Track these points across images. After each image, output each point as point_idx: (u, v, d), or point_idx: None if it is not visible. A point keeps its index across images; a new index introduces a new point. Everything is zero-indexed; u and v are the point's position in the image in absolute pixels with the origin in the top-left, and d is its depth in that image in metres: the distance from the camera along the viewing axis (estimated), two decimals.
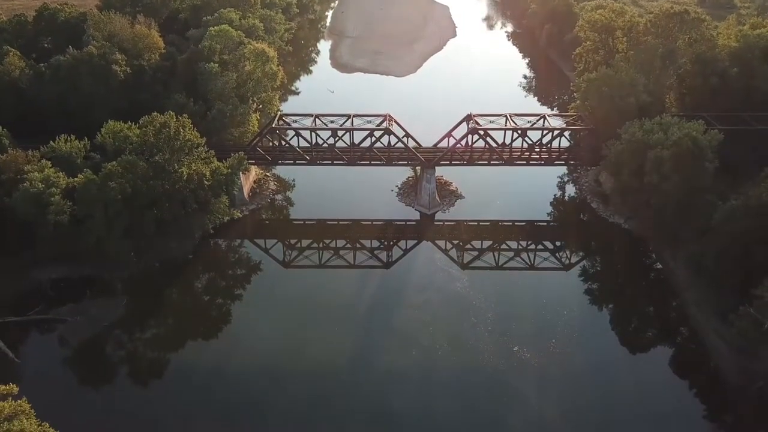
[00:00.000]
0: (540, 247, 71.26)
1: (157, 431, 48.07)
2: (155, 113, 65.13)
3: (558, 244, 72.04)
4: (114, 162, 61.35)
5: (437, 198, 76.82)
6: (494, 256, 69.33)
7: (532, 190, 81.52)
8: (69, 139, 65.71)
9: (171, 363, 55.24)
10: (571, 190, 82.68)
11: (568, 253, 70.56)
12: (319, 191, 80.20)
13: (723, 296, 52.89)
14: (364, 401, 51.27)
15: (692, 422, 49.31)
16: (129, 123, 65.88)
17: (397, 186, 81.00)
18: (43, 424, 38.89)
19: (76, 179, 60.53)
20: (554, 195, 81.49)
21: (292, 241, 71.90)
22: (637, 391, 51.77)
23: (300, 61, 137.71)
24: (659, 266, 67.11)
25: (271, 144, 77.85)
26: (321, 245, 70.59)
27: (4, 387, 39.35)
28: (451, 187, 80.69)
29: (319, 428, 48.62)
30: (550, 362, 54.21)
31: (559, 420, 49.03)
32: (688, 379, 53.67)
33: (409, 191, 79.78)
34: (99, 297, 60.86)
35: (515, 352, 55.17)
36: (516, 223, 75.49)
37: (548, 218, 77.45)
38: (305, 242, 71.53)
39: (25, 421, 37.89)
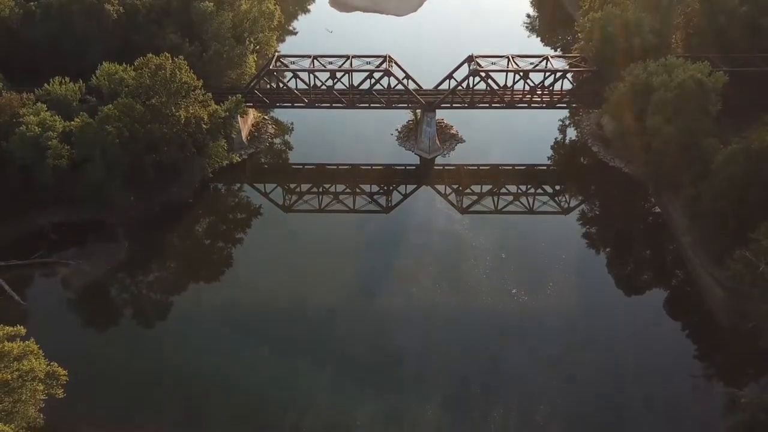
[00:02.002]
0: (539, 191, 71.30)
1: (161, 371, 49.31)
2: (150, 55, 63.81)
3: (557, 188, 72.06)
4: (110, 105, 60.57)
5: (437, 142, 76.26)
6: (494, 200, 69.47)
7: (532, 134, 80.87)
8: (64, 81, 64.60)
9: (174, 305, 56.29)
10: (572, 133, 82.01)
11: (567, 197, 70.69)
12: (317, 135, 79.53)
13: (719, 240, 53.29)
14: (365, 338, 52.52)
15: (685, 361, 50.59)
16: (124, 65, 64.65)
17: (396, 129, 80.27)
18: (51, 363, 39.93)
19: (72, 123, 59.87)
20: (555, 138, 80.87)
21: (292, 186, 71.86)
22: (632, 332, 53.01)
23: (297, 0, 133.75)
24: (657, 210, 67.36)
25: (268, 86, 76.62)
26: (320, 190, 70.60)
27: (11, 328, 40.22)
28: (452, 131, 79.99)
29: (321, 364, 49.92)
30: (547, 304, 55.23)
31: (555, 359, 50.34)
32: (682, 321, 54.81)
33: (409, 135, 79.13)
34: (101, 241, 61.33)
35: (513, 294, 56.09)
36: (516, 167, 75.26)
37: (548, 162, 77.14)
38: (305, 187, 71.51)
39: (33, 360, 38.93)
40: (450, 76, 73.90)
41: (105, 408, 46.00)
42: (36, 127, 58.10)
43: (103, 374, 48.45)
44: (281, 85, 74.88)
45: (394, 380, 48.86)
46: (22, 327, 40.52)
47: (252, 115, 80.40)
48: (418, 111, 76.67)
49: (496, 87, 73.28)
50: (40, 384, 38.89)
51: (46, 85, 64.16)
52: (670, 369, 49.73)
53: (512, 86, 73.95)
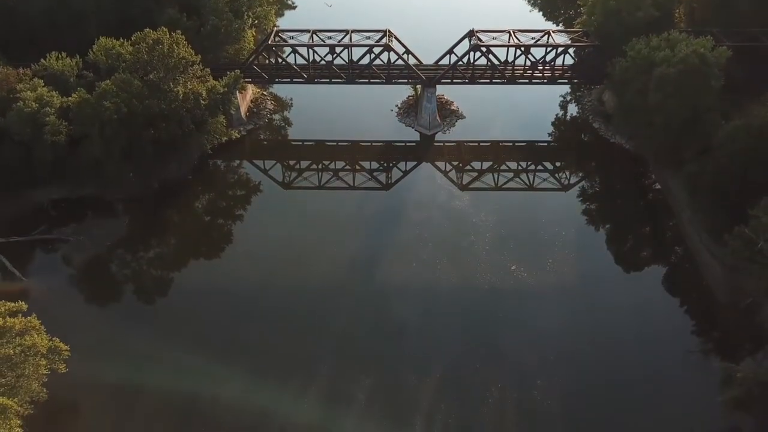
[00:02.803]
0: (540, 167, 71.09)
1: (162, 347, 49.62)
2: (147, 30, 63.04)
3: (558, 164, 71.84)
4: (108, 81, 60.06)
5: (438, 118, 75.81)
6: (494, 177, 69.31)
7: (533, 110, 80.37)
8: (60, 56, 63.97)
9: (174, 281, 56.52)
10: (573, 109, 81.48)
11: (567, 173, 70.51)
12: (317, 111, 79.02)
13: (718, 216, 53.25)
14: (365, 312, 52.90)
15: (682, 337, 50.92)
16: (121, 40, 63.93)
17: (396, 105, 79.74)
18: (53, 339, 40.23)
19: (70, 99, 59.44)
20: (556, 115, 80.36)
21: (291, 162, 71.63)
22: (630, 308, 53.27)
23: None
24: (658, 187, 67.22)
25: (267, 61, 75.96)
26: (320, 166, 70.38)
27: (13, 304, 40.47)
28: (452, 107, 79.46)
29: (321, 337, 50.37)
30: (546, 280, 55.43)
31: (553, 335, 50.67)
32: (680, 297, 55.06)
33: (409, 111, 78.61)
34: (100, 218, 61.37)
35: (512, 270, 56.29)
36: (516, 144, 74.93)
37: (549, 138, 76.75)
38: (304, 163, 71.28)
39: (36, 336, 39.22)
40: (450, 51, 73.21)
41: (107, 383, 46.43)
42: (33, 103, 57.69)
43: (105, 349, 48.77)
44: (280, 60, 74.19)
45: (394, 354, 49.25)
46: (23, 303, 40.75)
47: (251, 90, 79.80)
48: (419, 86, 76.07)
49: (497, 62, 72.60)
50: (42, 359, 39.27)
51: (42, 60, 63.56)
52: (667, 344, 50.04)
53: (513, 61, 73.26)
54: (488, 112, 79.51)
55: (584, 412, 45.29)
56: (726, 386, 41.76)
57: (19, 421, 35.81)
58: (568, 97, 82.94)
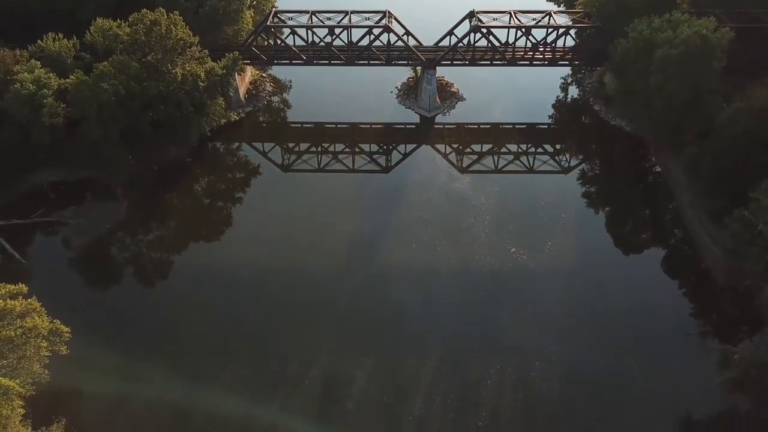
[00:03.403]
0: (540, 150, 70.89)
1: (163, 328, 49.94)
2: (145, 10, 62.39)
3: (558, 147, 71.63)
4: (105, 62, 59.57)
5: (438, 100, 75.38)
6: (494, 160, 69.10)
7: (534, 92, 79.95)
8: (57, 37, 63.34)
9: (174, 264, 56.60)
10: (573, 91, 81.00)
11: (567, 156, 70.31)
12: (316, 93, 78.57)
13: (718, 199, 53.18)
14: (366, 292, 53.15)
15: (681, 319, 51.12)
16: (118, 21, 63.29)
17: (396, 87, 79.27)
18: (54, 321, 40.34)
19: (67, 80, 58.98)
20: (556, 97, 79.93)
21: (291, 145, 71.36)
22: (629, 291, 53.42)
23: None
24: (658, 170, 67.07)
25: (266, 43, 75.34)
26: (319, 149, 70.13)
27: (13, 286, 40.45)
28: (452, 89, 78.99)
29: (321, 319, 50.60)
30: (546, 263, 55.52)
31: (552, 317, 50.89)
32: (679, 279, 55.21)
33: (408, 93, 78.15)
34: (100, 200, 61.29)
35: (512, 253, 56.36)
36: (516, 126, 74.62)
37: (549, 121, 76.43)
38: (303, 146, 71.03)
39: (36, 318, 39.29)
40: (451, 33, 72.64)
41: (108, 364, 46.71)
42: (30, 85, 57.22)
43: (105, 332, 48.97)
44: (279, 41, 73.55)
45: (393, 334, 49.52)
46: (23, 285, 40.77)
47: (249, 72, 79.24)
48: (418, 68, 75.56)
49: (497, 44, 72.03)
50: (43, 341, 39.34)
51: (39, 41, 62.96)
52: (666, 327, 50.27)
53: (514, 43, 72.73)
54: (489, 94, 79.09)
55: (582, 392, 45.60)
56: (723, 368, 41.98)
57: (21, 402, 36.02)
58: (569, 79, 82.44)
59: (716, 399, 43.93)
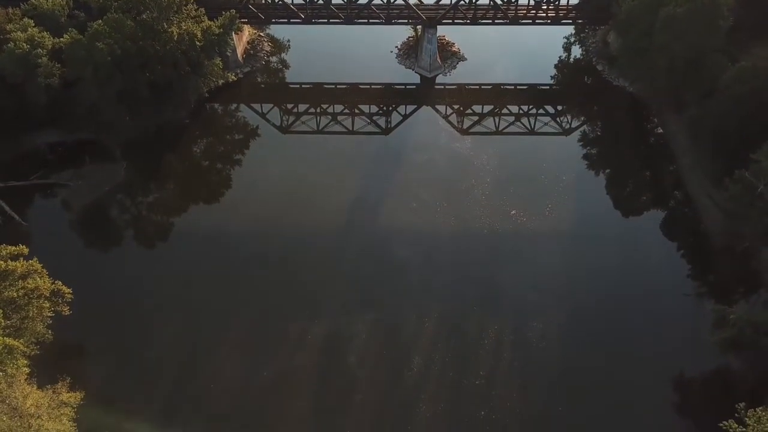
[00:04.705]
0: (541, 111, 70.16)
1: (162, 289, 50.32)
2: None
3: (559, 108, 70.88)
4: (100, 21, 58.46)
5: (438, 60, 74.27)
6: (495, 121, 68.46)
7: (536, 52, 78.70)
8: None
9: (174, 225, 56.80)
10: (576, 51, 79.64)
11: (569, 117, 69.65)
12: (315, 53, 77.32)
13: (720, 161, 52.91)
14: (366, 252, 53.55)
15: (678, 280, 51.49)
16: None
17: (396, 47, 78.02)
18: (56, 282, 40.62)
19: (62, 39, 58.02)
20: (559, 57, 78.60)
21: (289, 106, 70.60)
22: (628, 252, 53.69)
23: None
24: (660, 131, 66.51)
25: (263, 1, 73.79)
26: (318, 110, 69.42)
27: (14, 248, 40.59)
28: (453, 48, 77.74)
29: (322, 277, 51.06)
30: (545, 225, 55.64)
31: (550, 278, 51.23)
32: (678, 241, 55.37)
33: (409, 52, 76.95)
34: (99, 162, 60.93)
35: (512, 215, 56.42)
36: (518, 87, 73.67)
37: (551, 81, 75.44)
38: (302, 107, 70.29)
39: (38, 279, 39.57)
40: None
41: (109, 325, 47.31)
42: (24, 44, 56.33)
43: (106, 292, 49.44)
44: None
45: (394, 293, 50.03)
46: (24, 246, 40.89)
47: (247, 32, 77.88)
48: (419, 27, 74.20)
49: (499, 1, 70.57)
50: (45, 302, 39.73)
51: None
52: (663, 287, 50.64)
53: (516, 1, 71.22)
54: (490, 54, 77.88)
55: (578, 352, 46.21)
56: (718, 328, 42.46)
57: (26, 361, 36.57)
58: (572, 39, 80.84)
59: (711, 358, 44.50)
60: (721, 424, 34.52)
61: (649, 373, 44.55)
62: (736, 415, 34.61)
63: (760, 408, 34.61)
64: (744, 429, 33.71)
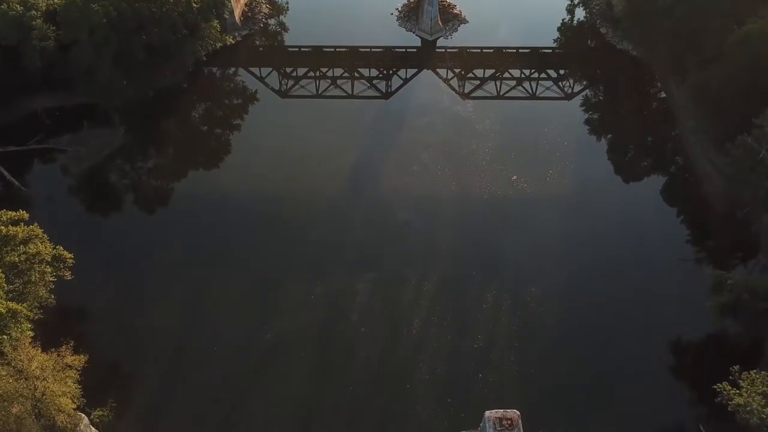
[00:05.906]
0: (543, 75, 69.22)
1: (163, 253, 50.56)
2: None
3: (562, 72, 69.94)
4: None
5: (439, 22, 73.02)
6: (496, 85, 67.65)
7: (539, 14, 77.33)
8: None
9: (174, 189, 56.74)
10: (580, 14, 78.04)
11: (571, 81, 68.82)
12: (314, 14, 76.04)
13: (722, 126, 52.45)
14: (366, 213, 53.85)
15: (677, 245, 51.69)
16: None
17: (396, 9, 76.59)
18: (57, 247, 40.72)
19: (56, 1, 56.94)
20: (562, 20, 77.08)
21: (288, 70, 69.65)
22: (628, 217, 53.86)
23: None
24: (663, 95, 65.84)
25: None
26: (318, 74, 68.51)
27: (14, 213, 40.55)
28: (455, 10, 76.34)
29: (322, 239, 51.40)
30: (546, 190, 55.61)
31: (551, 244, 51.41)
32: (678, 207, 55.40)
33: (409, 15, 75.58)
34: (96, 127, 60.45)
35: (513, 180, 56.32)
36: (520, 51, 72.52)
37: (554, 45, 74.23)
38: (301, 71, 69.33)
39: (39, 244, 39.63)
40: None
41: (111, 288, 47.68)
42: (18, 6, 55.30)
43: (107, 257, 49.72)
44: None
45: (395, 255, 50.43)
46: (24, 212, 40.86)
47: None
48: None
49: None
50: (47, 266, 39.87)
51: None
52: (662, 252, 50.84)
53: None
54: (492, 16, 76.52)
55: (577, 315, 46.74)
56: (716, 293, 42.75)
57: (29, 325, 36.92)
58: (576, 0, 79.31)
59: (707, 322, 44.91)
60: (715, 386, 35.12)
61: (645, 337, 45.14)
62: (730, 377, 35.19)
63: (754, 371, 35.16)
64: (738, 391, 34.29)
